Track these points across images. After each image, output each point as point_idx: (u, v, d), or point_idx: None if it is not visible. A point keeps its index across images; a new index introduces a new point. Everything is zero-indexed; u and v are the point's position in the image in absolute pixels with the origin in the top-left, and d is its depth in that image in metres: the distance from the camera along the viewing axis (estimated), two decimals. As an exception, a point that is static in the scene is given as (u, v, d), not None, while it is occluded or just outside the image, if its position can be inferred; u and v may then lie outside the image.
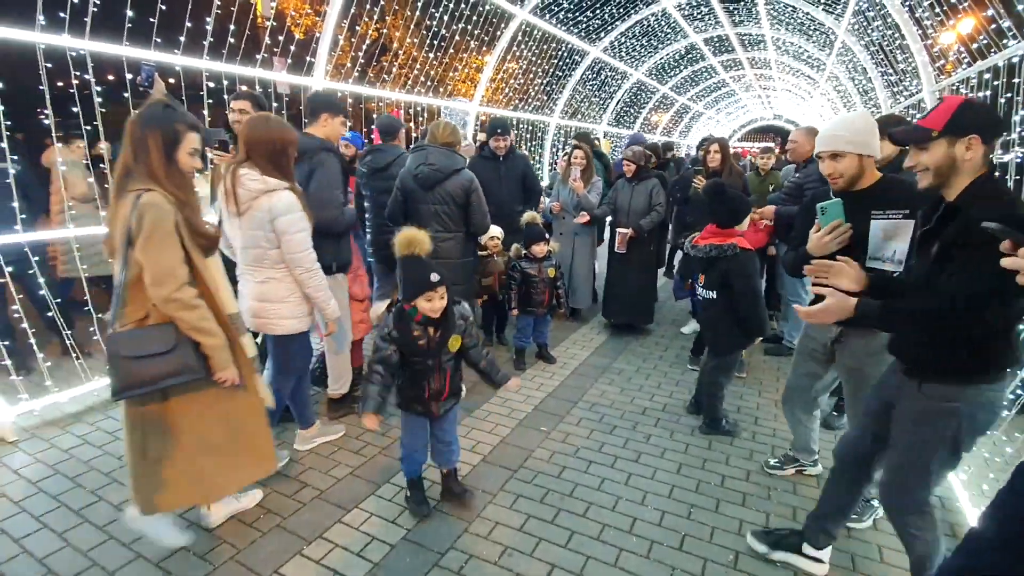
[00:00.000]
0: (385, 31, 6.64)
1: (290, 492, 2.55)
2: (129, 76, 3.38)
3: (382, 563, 2.15)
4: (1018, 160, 3.06)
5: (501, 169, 4.47)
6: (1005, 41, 3.19)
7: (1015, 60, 3.09)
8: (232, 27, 4.02)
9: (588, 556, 2.21)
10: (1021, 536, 1.17)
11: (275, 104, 4.10)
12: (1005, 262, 1.12)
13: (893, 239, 2.02)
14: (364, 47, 5.60)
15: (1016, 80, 3.06)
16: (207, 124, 4.00)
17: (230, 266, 2.43)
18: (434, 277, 2.11)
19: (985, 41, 3.45)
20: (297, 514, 2.41)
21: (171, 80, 3.57)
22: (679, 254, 5.62)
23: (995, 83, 3.37)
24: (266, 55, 4.55)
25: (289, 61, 4.59)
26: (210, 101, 4.08)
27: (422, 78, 6.37)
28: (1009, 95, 3.18)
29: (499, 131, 4.40)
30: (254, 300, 2.47)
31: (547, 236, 3.94)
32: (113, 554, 2.14)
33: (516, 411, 3.41)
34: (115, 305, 1.89)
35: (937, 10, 4.10)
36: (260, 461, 2.25)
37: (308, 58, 4.71)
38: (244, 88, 3.96)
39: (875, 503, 2.42)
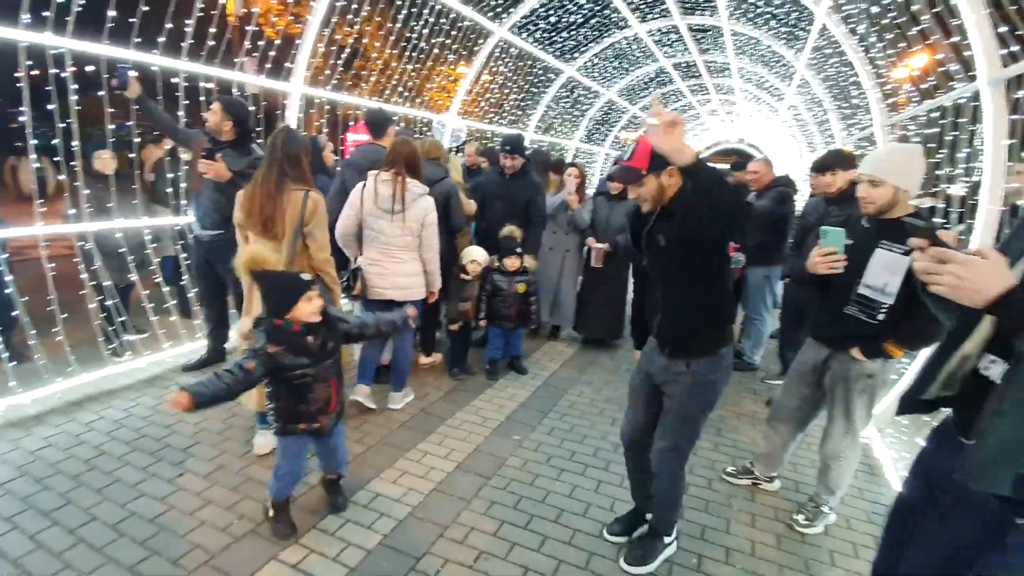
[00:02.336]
0: (365, 41, 6.70)
1: (263, 498, 2.54)
2: (106, 76, 3.34)
3: (359, 568, 2.17)
4: (962, 194, 3.35)
5: (503, 189, 4.34)
6: (952, 83, 3.49)
7: (960, 101, 3.38)
8: (213, 30, 4.01)
9: (560, 560, 2.29)
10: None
11: (252, 107, 4.08)
12: (916, 267, 1.15)
13: (889, 272, 2.12)
14: (343, 55, 5.62)
15: (961, 120, 3.36)
16: (183, 125, 3.96)
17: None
18: (306, 276, 2.17)
19: (934, 82, 3.76)
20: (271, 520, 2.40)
21: (136, 74, 3.50)
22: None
23: (941, 122, 3.67)
24: (243, 58, 4.54)
25: (269, 66, 4.58)
26: (186, 102, 4.05)
27: (400, 88, 6.43)
28: (955, 133, 3.48)
29: (507, 148, 4.28)
30: (404, 276, 3.27)
31: (520, 251, 3.98)
32: (84, 558, 2.10)
33: (489, 420, 3.48)
34: (286, 263, 2.71)
35: (890, 51, 4.43)
36: None
37: (287, 64, 4.72)
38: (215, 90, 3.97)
39: (826, 509, 2.59)
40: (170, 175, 4.47)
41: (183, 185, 4.54)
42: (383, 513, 2.50)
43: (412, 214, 3.18)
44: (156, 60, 3.63)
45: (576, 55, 8.79)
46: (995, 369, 1.19)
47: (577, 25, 7.92)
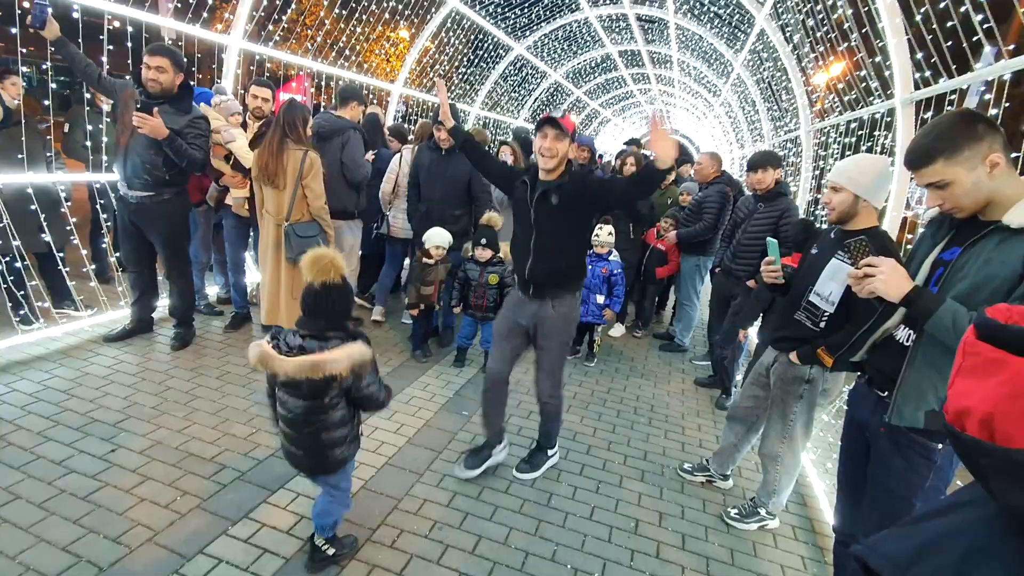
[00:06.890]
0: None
1: (208, 474, 2.48)
2: (19, 11, 2.99)
3: (314, 540, 2.19)
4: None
5: (441, 166, 4.04)
6: (871, 98, 3.85)
7: (877, 116, 3.74)
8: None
9: (511, 527, 2.42)
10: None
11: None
12: (850, 274, 1.65)
13: (835, 281, 2.15)
14: (288, 10, 5.29)
15: (876, 132, 3.72)
16: (106, 72, 3.61)
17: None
18: None
19: (855, 96, 4.12)
20: (218, 495, 2.36)
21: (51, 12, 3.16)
22: None
23: (859, 132, 4.05)
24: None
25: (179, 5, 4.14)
26: (110, 47, 3.70)
27: (347, 51, 6.16)
28: (869, 144, 3.85)
29: (440, 120, 3.99)
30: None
31: (484, 242, 3.78)
32: (8, 538, 1.98)
33: (437, 396, 3.53)
34: (288, 210, 3.37)
35: (821, 62, 4.80)
36: None
37: (228, 15, 4.39)
38: (157, 44, 3.64)
39: (762, 511, 2.64)
40: (89, 127, 4.07)
41: (104, 139, 4.16)
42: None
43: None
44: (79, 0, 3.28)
45: (527, 33, 8.77)
46: (902, 333, 1.70)
47: (530, 3, 7.89)
